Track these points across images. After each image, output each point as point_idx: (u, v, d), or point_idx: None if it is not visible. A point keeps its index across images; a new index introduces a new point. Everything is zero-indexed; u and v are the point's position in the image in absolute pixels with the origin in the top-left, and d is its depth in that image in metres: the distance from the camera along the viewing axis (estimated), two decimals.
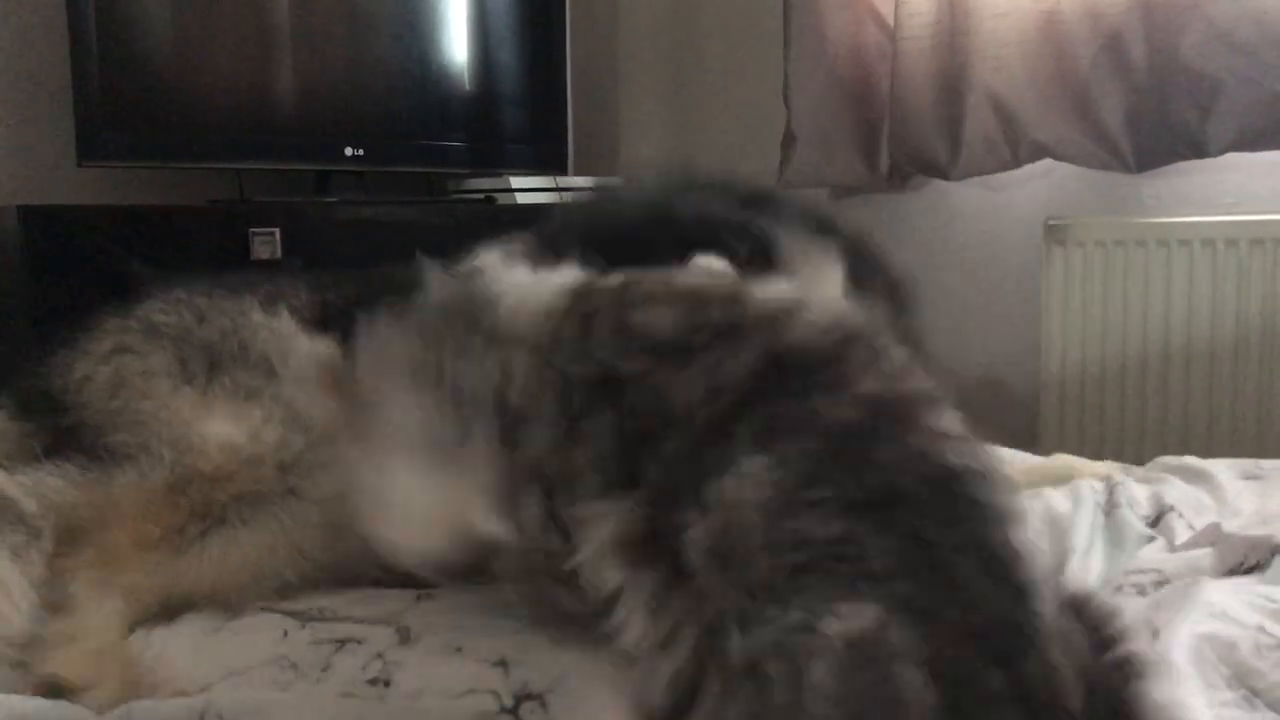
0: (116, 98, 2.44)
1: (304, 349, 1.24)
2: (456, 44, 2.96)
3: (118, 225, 2.37)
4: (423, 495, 0.78)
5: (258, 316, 1.26)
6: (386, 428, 0.79)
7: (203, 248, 2.42)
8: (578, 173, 3.09)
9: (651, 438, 0.67)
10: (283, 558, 1.14)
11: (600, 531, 0.67)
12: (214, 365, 1.22)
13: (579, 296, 0.77)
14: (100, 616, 1.09)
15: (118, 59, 2.45)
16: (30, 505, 1.13)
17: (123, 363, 1.22)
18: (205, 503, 1.14)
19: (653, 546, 0.65)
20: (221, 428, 1.17)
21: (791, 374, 0.68)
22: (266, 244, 2.40)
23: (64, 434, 1.20)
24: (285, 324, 1.27)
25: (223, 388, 1.20)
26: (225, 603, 1.12)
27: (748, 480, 0.63)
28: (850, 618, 0.59)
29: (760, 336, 0.70)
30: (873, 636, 0.59)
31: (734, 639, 0.60)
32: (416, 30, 2.90)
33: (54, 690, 1.00)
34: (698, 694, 0.61)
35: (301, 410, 1.17)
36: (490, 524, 0.74)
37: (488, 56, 3.02)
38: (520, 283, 0.82)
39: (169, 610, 1.13)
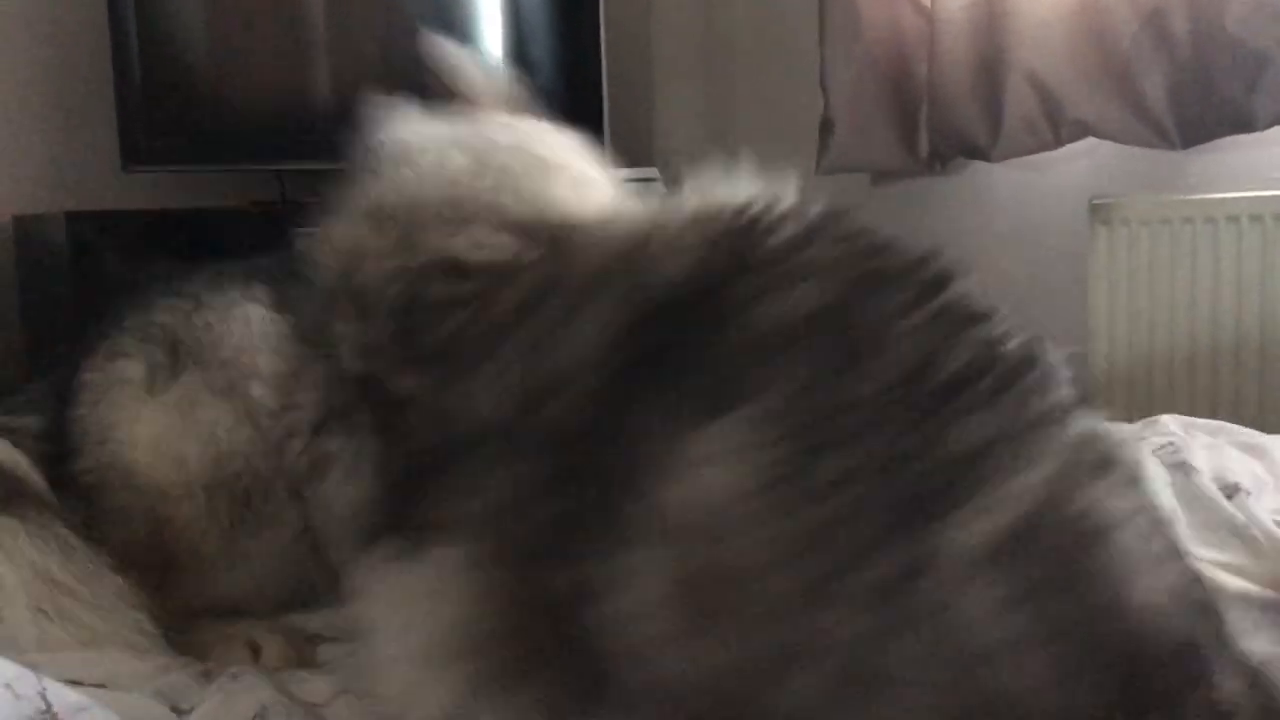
0: (159, 103, 2.47)
1: (271, 340, 1.20)
2: (490, 38, 2.97)
3: (163, 229, 2.40)
4: None
5: (237, 307, 1.22)
6: None
7: (246, 249, 2.44)
8: (614, 164, 3.09)
9: None
10: (288, 570, 1.15)
11: None
12: (175, 370, 1.18)
13: None
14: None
15: (159, 65, 2.48)
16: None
17: (111, 369, 1.20)
18: (187, 549, 1.14)
19: None
20: (168, 452, 1.15)
21: None
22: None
23: (64, 458, 1.19)
24: (256, 311, 1.22)
25: (176, 398, 1.17)
26: (251, 610, 1.15)
27: None
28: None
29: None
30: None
31: None
32: (451, 25, 2.91)
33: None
34: None
35: (252, 411, 1.15)
36: None
37: (522, 50, 3.02)
38: None
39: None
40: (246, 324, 1.20)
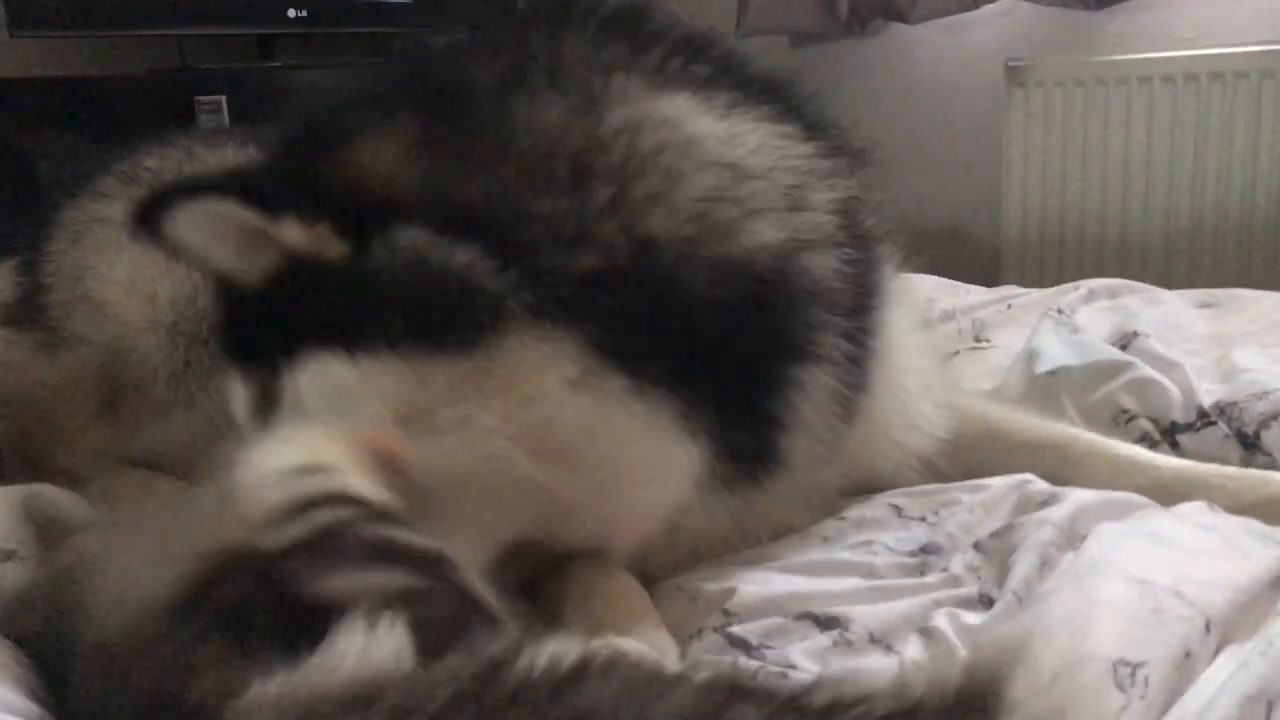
0: None
1: None
2: None
3: (55, 98, 2.30)
4: None
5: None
6: None
7: (146, 118, 2.35)
8: None
9: None
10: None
11: None
12: None
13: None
14: None
15: None
16: None
17: (92, 208, 1.20)
18: (137, 383, 1.15)
19: None
20: (143, 290, 1.16)
21: None
22: (213, 112, 2.34)
23: (35, 292, 1.20)
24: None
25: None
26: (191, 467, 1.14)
27: None
28: None
29: None
30: None
31: None
32: None
33: None
34: None
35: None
36: None
37: None
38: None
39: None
40: None
